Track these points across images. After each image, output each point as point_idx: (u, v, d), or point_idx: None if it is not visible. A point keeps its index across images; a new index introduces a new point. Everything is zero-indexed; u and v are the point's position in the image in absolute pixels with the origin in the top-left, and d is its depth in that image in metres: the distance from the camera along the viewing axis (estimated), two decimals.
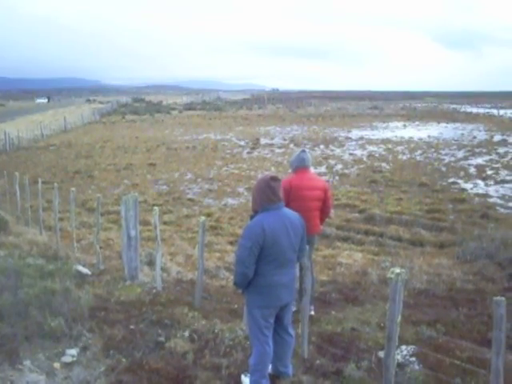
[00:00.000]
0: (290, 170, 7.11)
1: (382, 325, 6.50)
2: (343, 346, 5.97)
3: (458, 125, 51.27)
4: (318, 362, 5.52)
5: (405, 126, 51.88)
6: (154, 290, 7.97)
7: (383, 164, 26.68)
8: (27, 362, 5.35)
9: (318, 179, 7.14)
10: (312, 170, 7.30)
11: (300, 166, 6.75)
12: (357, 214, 15.91)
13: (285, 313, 4.90)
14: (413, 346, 5.74)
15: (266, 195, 4.58)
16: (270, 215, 4.56)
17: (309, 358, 5.61)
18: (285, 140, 37.80)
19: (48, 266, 6.91)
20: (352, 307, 7.50)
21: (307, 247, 5.27)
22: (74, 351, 5.72)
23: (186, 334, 6.18)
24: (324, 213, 7.01)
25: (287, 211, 4.73)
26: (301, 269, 5.95)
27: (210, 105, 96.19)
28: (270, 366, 5.07)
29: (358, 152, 31.44)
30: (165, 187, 20.71)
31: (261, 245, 4.46)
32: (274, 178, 4.66)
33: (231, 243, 12.00)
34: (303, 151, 6.83)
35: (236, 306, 7.42)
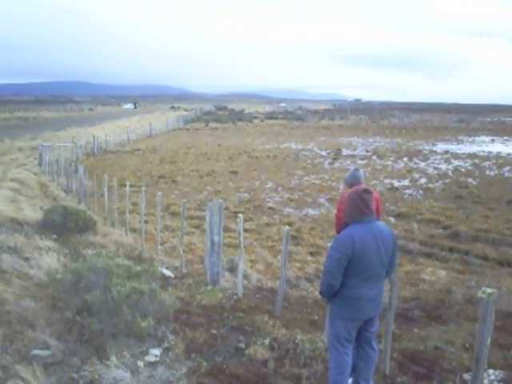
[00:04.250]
0: (343, 186, 7.75)
1: (467, 346, 6.30)
2: (426, 364, 5.82)
3: None
4: (399, 379, 5.41)
5: (493, 140, 50.14)
6: (235, 296, 8.06)
7: (469, 179, 25.84)
8: (113, 359, 5.53)
9: None
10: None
11: (354, 183, 7.34)
12: (441, 230, 15.47)
13: (369, 326, 4.83)
14: (501, 371, 5.52)
15: (358, 207, 4.55)
16: (361, 228, 4.52)
17: (390, 374, 5.52)
18: (367, 151, 37.37)
19: (135, 267, 7.12)
20: (435, 325, 7.32)
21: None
22: (157, 351, 5.87)
23: (266, 341, 6.20)
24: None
25: (380, 225, 4.67)
26: None
27: (291, 114, 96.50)
28: (351, 380, 5.01)
29: (443, 166, 30.61)
30: (246, 195, 20.91)
31: (349, 257, 4.44)
32: (367, 191, 4.62)
33: (312, 254, 11.94)
34: (356, 169, 7.74)
35: (316, 317, 7.39)
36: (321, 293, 4.79)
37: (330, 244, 5.94)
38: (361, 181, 7.47)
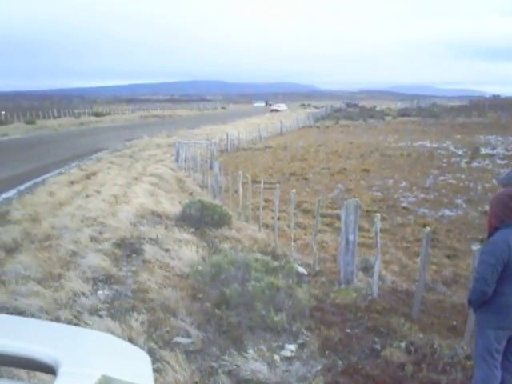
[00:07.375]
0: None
1: None
2: None
3: None
4: None
5: None
6: (370, 297, 7.96)
7: None
8: (251, 351, 5.69)
9: None
10: None
11: (508, 184, 6.92)
12: None
13: None
14: None
15: (510, 209, 4.31)
16: None
17: None
18: (508, 151, 35.23)
19: (273, 262, 7.26)
20: None
21: None
22: (292, 347, 5.95)
23: (403, 344, 6.09)
24: None
25: None
26: None
27: (425, 111, 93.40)
28: None
29: None
30: (379, 194, 20.52)
31: (505, 262, 4.22)
32: None
33: (449, 257, 11.46)
34: None
35: (455, 322, 7.11)
36: (469, 300, 4.58)
37: (474, 247, 5.68)
38: None
